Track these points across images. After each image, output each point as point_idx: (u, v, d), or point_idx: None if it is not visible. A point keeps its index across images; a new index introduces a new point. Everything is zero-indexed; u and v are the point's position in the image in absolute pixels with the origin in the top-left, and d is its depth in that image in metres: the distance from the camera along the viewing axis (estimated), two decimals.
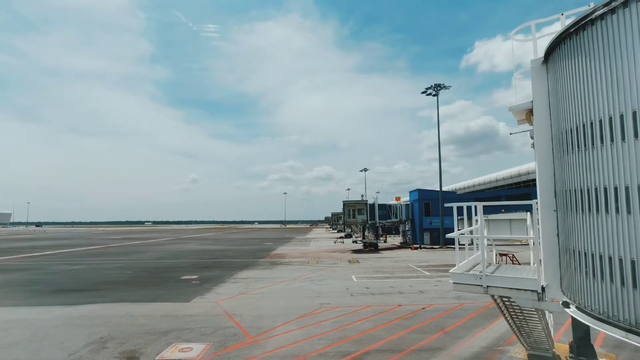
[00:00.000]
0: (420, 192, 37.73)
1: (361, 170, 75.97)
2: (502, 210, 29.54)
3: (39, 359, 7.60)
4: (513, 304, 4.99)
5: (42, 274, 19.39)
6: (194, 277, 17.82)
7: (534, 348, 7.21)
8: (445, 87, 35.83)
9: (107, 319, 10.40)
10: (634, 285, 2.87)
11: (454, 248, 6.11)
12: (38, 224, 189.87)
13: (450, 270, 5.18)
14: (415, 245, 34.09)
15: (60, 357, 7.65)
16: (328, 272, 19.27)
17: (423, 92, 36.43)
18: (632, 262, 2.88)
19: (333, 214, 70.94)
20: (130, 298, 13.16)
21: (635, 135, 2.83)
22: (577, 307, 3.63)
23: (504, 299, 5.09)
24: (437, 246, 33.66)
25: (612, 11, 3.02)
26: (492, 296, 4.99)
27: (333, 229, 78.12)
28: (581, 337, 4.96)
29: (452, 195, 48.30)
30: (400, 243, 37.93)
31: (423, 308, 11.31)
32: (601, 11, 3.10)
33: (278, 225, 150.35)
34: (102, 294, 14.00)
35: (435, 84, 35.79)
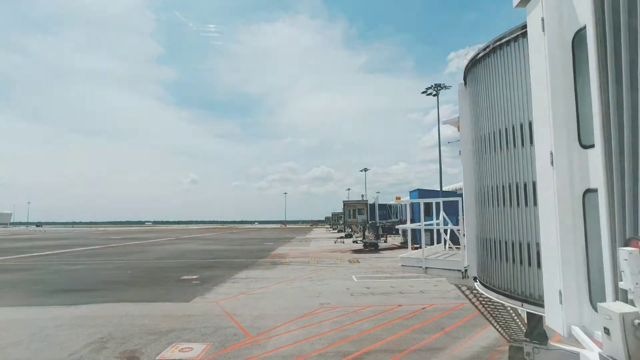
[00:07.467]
0: (421, 192, 37.72)
1: (361, 170, 76.13)
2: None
3: (40, 359, 7.62)
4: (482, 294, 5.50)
5: (42, 273, 19.40)
6: (194, 277, 17.82)
7: (515, 340, 7.25)
8: (445, 87, 35.85)
9: (107, 319, 10.41)
10: (529, 264, 3.56)
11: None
12: (38, 224, 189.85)
13: (399, 256, 6.52)
14: (415, 245, 34.06)
15: (61, 357, 7.65)
16: (328, 272, 19.27)
17: (423, 92, 36.50)
18: (528, 245, 3.55)
19: (333, 214, 70.93)
20: (130, 298, 13.16)
21: (531, 142, 3.43)
22: (481, 283, 4.57)
23: (473, 291, 5.85)
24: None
25: (507, 43, 3.78)
26: (459, 288, 6.01)
27: (333, 229, 78.10)
28: (534, 325, 5.32)
29: (453, 195, 48.32)
30: (401, 243, 37.94)
31: (423, 308, 11.32)
32: (499, 42, 3.85)
33: (278, 225, 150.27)
34: (102, 293, 14.01)
35: (435, 84, 35.84)
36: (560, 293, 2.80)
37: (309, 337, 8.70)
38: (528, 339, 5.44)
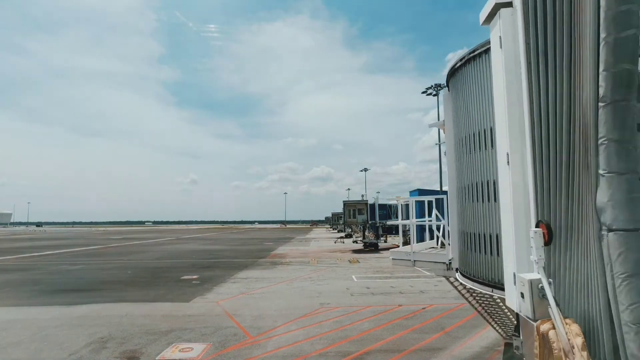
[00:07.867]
0: (421, 191, 37.74)
1: (361, 170, 76.21)
2: None
3: (40, 359, 7.61)
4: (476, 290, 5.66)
5: (42, 273, 19.38)
6: (194, 277, 17.82)
7: (511, 337, 7.27)
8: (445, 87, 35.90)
9: (107, 319, 10.40)
10: (498, 254, 3.90)
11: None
12: (38, 224, 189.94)
13: (390, 250, 7.16)
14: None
15: (61, 357, 7.65)
16: (328, 272, 19.26)
17: (423, 92, 36.51)
18: (497, 237, 3.92)
19: (333, 214, 70.91)
20: (130, 298, 13.15)
21: (495, 145, 3.76)
22: (461, 274, 4.90)
23: (466, 287, 6.02)
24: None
25: (479, 55, 4.09)
26: (452, 284, 6.36)
27: (333, 229, 78.04)
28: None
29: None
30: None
31: (423, 308, 11.31)
32: (473, 54, 4.13)
33: (278, 225, 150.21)
34: (102, 293, 13.99)
35: (435, 84, 35.87)
36: (514, 275, 3.17)
37: (309, 337, 8.69)
38: (517, 334, 5.58)
